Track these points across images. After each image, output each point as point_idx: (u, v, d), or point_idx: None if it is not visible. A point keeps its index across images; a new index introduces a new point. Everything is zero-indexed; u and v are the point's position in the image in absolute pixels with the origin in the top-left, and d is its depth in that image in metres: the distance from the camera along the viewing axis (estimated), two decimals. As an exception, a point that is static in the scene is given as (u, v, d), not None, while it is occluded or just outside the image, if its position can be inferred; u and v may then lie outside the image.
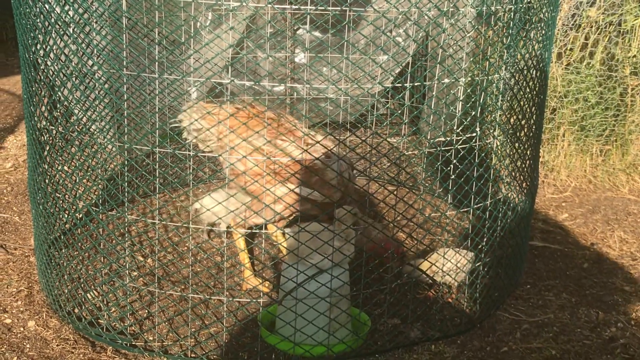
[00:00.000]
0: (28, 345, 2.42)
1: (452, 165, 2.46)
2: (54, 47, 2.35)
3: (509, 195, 2.70)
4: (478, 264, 2.62)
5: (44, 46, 2.38)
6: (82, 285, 2.66)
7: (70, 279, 2.65)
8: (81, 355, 2.37)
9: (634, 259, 3.29)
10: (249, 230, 2.79)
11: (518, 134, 2.66)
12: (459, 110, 2.64)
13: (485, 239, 2.59)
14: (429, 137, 4.10)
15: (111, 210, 3.17)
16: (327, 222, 2.56)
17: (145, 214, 3.58)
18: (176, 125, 2.87)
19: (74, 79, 2.41)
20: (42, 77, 2.47)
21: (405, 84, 2.32)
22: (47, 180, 2.57)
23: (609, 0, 4.25)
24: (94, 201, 3.03)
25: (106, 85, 2.60)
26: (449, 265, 2.62)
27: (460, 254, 2.65)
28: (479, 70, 2.51)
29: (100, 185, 3.07)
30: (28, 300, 2.73)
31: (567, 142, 4.36)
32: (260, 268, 3.06)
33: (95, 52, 2.37)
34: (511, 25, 2.44)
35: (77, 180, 2.57)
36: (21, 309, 2.66)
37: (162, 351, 2.40)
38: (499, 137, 2.54)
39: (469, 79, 2.52)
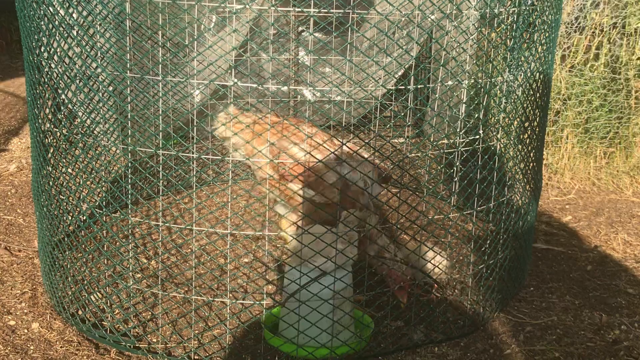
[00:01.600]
0: (32, 347, 2.42)
1: (455, 168, 2.46)
2: (58, 50, 2.36)
3: (513, 197, 2.70)
4: (481, 266, 2.61)
5: (48, 48, 2.39)
6: (86, 287, 2.66)
7: (74, 280, 2.66)
8: (85, 357, 2.38)
9: (637, 261, 3.28)
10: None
11: (521, 136, 2.66)
12: (462, 113, 2.64)
13: (488, 242, 2.59)
14: (432, 140, 4.10)
15: (115, 213, 3.17)
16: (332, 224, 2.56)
17: (148, 216, 3.58)
18: (213, 129, 2.89)
19: (77, 81, 2.42)
20: (46, 80, 2.47)
21: (409, 86, 2.33)
22: (51, 183, 2.58)
23: (613, 2, 4.25)
24: (97, 203, 3.03)
25: (110, 88, 2.60)
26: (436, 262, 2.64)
27: (442, 255, 2.67)
28: (482, 73, 2.51)
29: (104, 188, 3.07)
30: (32, 302, 2.73)
31: (571, 145, 4.35)
32: (264, 270, 3.06)
33: (99, 54, 2.37)
34: (515, 27, 2.44)
35: (81, 183, 2.58)
36: (25, 310, 2.66)
37: (165, 353, 2.40)
38: (502, 140, 2.54)
39: (473, 81, 2.52)
